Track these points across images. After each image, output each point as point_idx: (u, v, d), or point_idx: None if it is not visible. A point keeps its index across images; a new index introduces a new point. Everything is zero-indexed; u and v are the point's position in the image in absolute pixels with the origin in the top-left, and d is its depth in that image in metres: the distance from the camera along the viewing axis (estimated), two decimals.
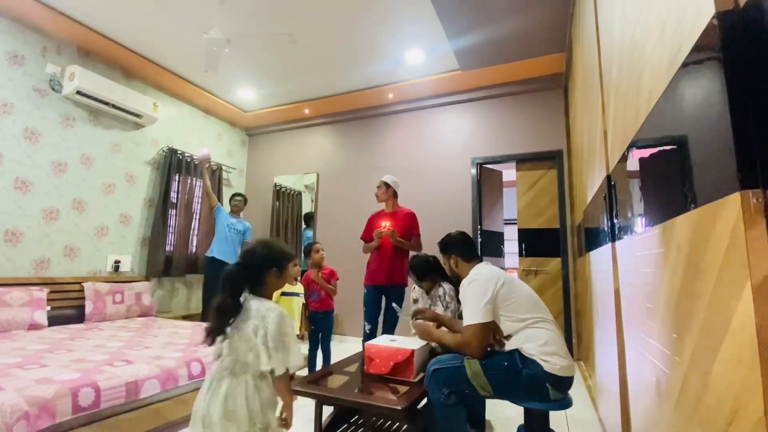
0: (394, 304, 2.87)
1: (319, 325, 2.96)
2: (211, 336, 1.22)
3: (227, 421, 1.13)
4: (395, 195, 3.12)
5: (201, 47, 3.38)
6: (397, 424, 1.98)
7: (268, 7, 3.07)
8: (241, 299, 1.26)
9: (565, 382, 1.44)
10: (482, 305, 1.52)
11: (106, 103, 3.69)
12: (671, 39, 0.89)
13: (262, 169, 5.53)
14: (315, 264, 2.99)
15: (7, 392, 1.56)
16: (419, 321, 1.91)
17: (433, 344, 1.94)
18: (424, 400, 1.64)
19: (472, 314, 1.54)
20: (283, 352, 1.18)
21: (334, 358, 2.79)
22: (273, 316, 1.19)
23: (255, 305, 1.22)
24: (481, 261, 1.80)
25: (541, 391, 1.43)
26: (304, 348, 2.25)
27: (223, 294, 1.22)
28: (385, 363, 1.76)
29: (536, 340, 1.47)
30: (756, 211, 0.60)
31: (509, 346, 1.53)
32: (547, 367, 1.42)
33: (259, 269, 1.28)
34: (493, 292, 1.55)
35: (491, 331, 1.57)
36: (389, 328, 2.90)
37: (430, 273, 2.32)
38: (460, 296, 1.68)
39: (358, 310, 4.46)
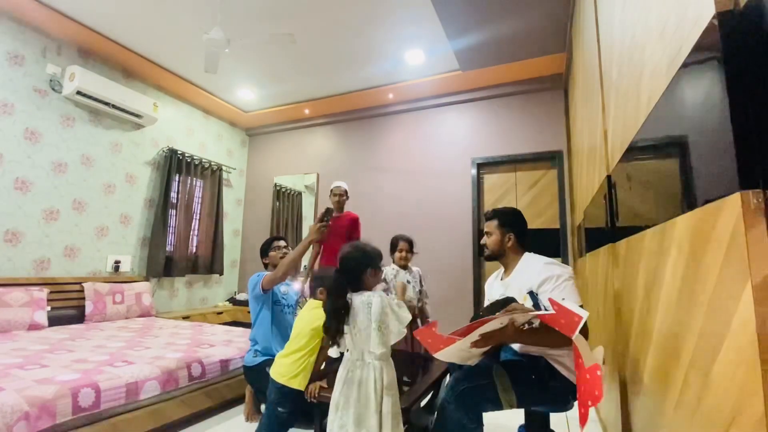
0: None
1: None
2: (333, 336, 1.41)
3: (359, 404, 1.31)
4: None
5: (201, 47, 3.38)
6: None
7: (268, 7, 3.07)
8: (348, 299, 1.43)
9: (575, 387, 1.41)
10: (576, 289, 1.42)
11: (106, 104, 3.69)
12: (671, 39, 0.89)
13: (262, 169, 5.53)
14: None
15: (7, 392, 1.56)
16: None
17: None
18: (424, 400, 1.63)
19: (576, 293, 1.42)
20: (396, 318, 1.38)
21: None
22: (376, 300, 1.37)
23: (357, 300, 1.40)
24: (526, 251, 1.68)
25: (563, 401, 1.41)
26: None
27: (331, 298, 1.42)
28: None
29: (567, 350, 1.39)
30: (756, 211, 0.60)
31: (534, 350, 1.44)
32: (572, 378, 1.37)
33: (357, 271, 1.45)
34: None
35: None
36: None
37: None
38: (545, 272, 1.47)
39: None
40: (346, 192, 3.35)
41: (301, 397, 1.60)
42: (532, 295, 1.48)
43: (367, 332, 1.36)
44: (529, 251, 1.69)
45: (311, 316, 1.71)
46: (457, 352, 1.29)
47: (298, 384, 1.62)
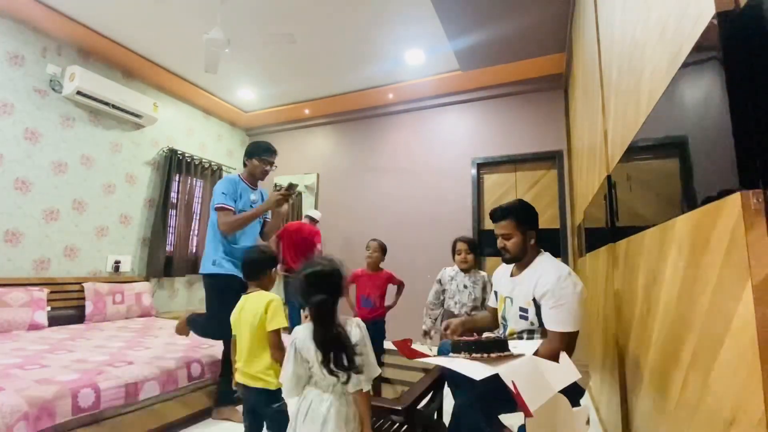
0: None
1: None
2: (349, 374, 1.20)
3: None
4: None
5: (201, 47, 3.38)
6: (397, 424, 1.97)
7: (268, 7, 3.07)
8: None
9: (579, 391, 1.41)
10: (581, 312, 1.35)
11: (106, 104, 3.69)
12: (671, 39, 0.89)
13: None
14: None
15: (7, 393, 1.56)
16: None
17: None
18: (425, 401, 1.63)
19: (574, 319, 1.34)
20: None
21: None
22: (355, 332, 1.22)
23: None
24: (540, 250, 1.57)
25: (571, 402, 1.40)
26: None
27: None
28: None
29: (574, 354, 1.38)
30: (756, 211, 0.59)
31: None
32: (580, 382, 1.33)
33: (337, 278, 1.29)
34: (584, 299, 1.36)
35: None
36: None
37: (476, 249, 2.33)
38: (541, 285, 1.42)
39: None
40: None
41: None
42: (536, 303, 1.45)
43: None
44: (492, 256, 1.65)
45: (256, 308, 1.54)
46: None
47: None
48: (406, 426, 1.92)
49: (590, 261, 2.42)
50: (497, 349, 1.26)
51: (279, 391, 1.48)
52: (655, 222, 1.04)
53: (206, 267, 2.21)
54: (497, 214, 1.58)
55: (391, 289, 2.87)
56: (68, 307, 3.27)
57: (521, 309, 1.53)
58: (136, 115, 3.96)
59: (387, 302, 2.85)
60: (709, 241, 0.72)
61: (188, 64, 3.98)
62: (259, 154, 2.33)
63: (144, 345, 2.46)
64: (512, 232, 1.53)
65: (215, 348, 2.47)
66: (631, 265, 1.30)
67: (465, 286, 2.35)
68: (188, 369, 2.17)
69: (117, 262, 3.86)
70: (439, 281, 2.49)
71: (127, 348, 2.36)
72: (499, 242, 1.58)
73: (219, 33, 2.80)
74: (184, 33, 3.44)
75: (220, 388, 2.26)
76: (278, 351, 1.49)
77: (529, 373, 1.13)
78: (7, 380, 1.70)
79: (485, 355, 1.24)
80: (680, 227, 0.86)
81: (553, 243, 3.74)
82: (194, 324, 2.25)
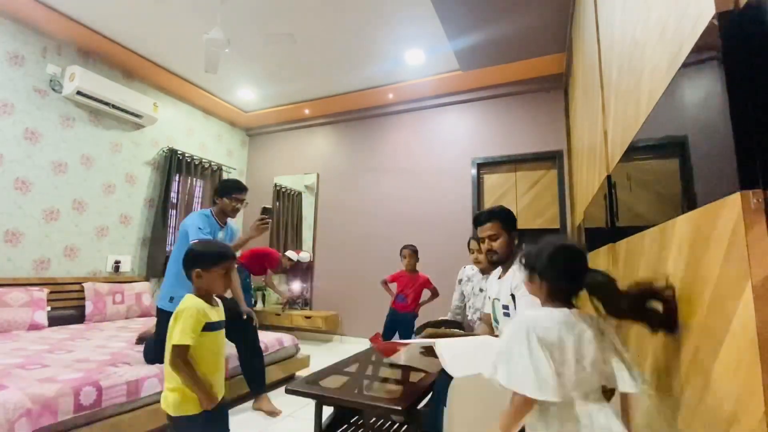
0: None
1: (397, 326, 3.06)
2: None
3: None
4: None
5: (201, 47, 3.38)
6: (397, 424, 1.98)
7: (269, 7, 3.07)
8: None
9: None
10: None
11: (107, 104, 3.69)
12: (671, 39, 0.89)
13: (263, 169, 5.53)
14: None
15: (10, 390, 1.57)
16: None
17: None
18: (425, 401, 1.63)
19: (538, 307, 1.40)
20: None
21: (334, 359, 2.79)
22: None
23: None
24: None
25: None
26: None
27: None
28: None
29: None
30: (756, 211, 0.59)
31: None
32: None
33: None
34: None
35: None
36: None
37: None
38: (518, 282, 1.42)
39: (358, 310, 4.47)
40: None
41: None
42: (513, 297, 1.48)
43: (597, 366, 0.89)
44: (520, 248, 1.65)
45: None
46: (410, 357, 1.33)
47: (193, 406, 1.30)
48: (406, 426, 1.92)
49: (590, 261, 2.42)
50: (455, 327, 1.38)
51: (179, 419, 1.30)
52: (655, 222, 1.04)
53: (163, 302, 2.16)
54: (482, 217, 1.63)
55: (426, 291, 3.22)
56: (68, 307, 3.27)
57: (504, 306, 1.56)
58: (136, 115, 3.96)
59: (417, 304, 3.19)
60: (709, 241, 0.72)
61: (188, 64, 3.98)
62: (229, 193, 2.33)
63: (143, 345, 2.46)
64: (498, 233, 1.59)
65: None
66: (631, 265, 1.30)
67: (481, 290, 2.21)
68: None
69: (117, 262, 3.86)
70: (460, 281, 2.45)
71: (128, 348, 2.36)
72: (486, 245, 1.62)
73: (219, 33, 2.80)
74: (184, 33, 3.44)
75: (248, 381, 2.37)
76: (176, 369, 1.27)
77: (468, 347, 1.19)
78: (9, 379, 1.70)
79: (448, 331, 1.34)
80: (680, 227, 0.86)
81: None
82: (146, 346, 2.21)
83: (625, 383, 0.88)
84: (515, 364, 0.88)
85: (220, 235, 2.34)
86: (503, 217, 1.60)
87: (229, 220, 2.44)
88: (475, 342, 1.25)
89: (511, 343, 0.91)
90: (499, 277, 1.68)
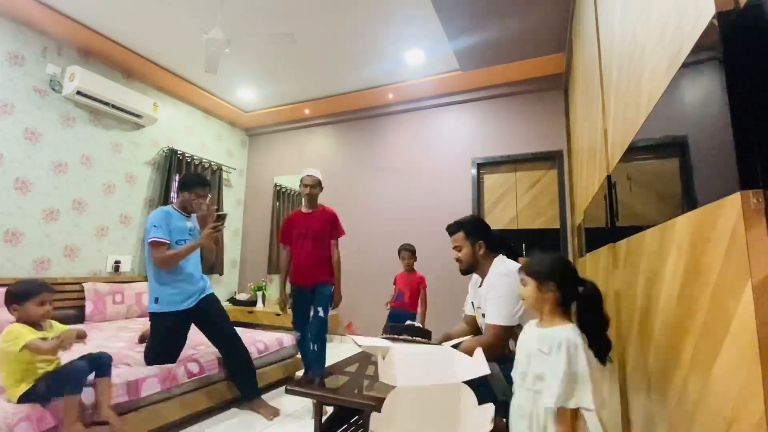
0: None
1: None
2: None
3: None
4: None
5: (201, 47, 3.38)
6: None
7: (268, 7, 3.07)
8: None
9: None
10: (514, 311, 1.46)
11: (107, 104, 3.69)
12: (671, 39, 0.89)
13: (263, 169, 5.53)
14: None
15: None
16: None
17: None
18: None
19: (500, 315, 1.47)
20: None
21: (334, 359, 2.79)
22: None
23: None
24: (498, 255, 1.67)
25: None
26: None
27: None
28: None
29: None
30: (756, 211, 0.59)
31: None
32: None
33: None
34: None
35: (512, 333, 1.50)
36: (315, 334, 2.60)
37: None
38: (487, 287, 1.56)
39: (358, 310, 4.47)
40: (319, 183, 2.80)
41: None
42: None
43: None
44: (501, 252, 1.70)
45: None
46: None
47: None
48: None
49: (590, 261, 2.42)
50: (420, 335, 1.55)
51: None
52: (655, 222, 1.04)
53: (150, 305, 2.22)
54: (450, 229, 1.76)
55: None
56: (68, 307, 3.27)
57: (483, 315, 1.64)
58: (136, 115, 3.96)
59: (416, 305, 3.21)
60: (709, 241, 0.72)
61: (188, 64, 3.98)
62: (190, 188, 2.33)
63: (144, 345, 2.46)
64: (461, 244, 1.70)
65: (214, 347, 2.47)
66: (631, 266, 1.30)
67: None
68: (186, 366, 2.18)
69: (117, 262, 3.86)
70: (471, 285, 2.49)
71: (128, 348, 2.36)
72: (453, 254, 1.75)
73: (219, 33, 2.80)
74: (184, 33, 3.44)
75: (238, 386, 2.35)
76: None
77: (422, 355, 1.22)
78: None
79: (408, 338, 1.51)
80: (680, 227, 0.86)
81: (553, 243, 3.74)
82: (146, 348, 2.24)
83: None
84: (585, 384, 1.00)
85: (189, 224, 2.34)
86: (467, 228, 1.70)
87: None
88: (431, 351, 1.26)
89: (578, 366, 1.01)
90: (480, 285, 1.75)
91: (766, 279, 0.57)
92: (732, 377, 0.65)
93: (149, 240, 2.16)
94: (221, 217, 2.28)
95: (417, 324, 1.76)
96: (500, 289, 1.50)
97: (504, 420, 1.84)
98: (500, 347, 1.47)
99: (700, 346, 0.77)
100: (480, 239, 1.68)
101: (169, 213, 2.29)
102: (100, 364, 1.74)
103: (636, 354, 1.28)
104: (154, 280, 2.22)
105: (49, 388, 1.58)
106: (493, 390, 1.39)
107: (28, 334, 1.58)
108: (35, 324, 1.69)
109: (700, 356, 0.77)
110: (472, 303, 1.87)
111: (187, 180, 2.37)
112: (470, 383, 1.33)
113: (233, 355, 2.37)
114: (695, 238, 0.79)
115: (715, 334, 0.71)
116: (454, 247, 1.73)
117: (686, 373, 0.84)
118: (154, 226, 2.18)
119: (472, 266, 1.70)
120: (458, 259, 1.73)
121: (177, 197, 2.40)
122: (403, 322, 2.99)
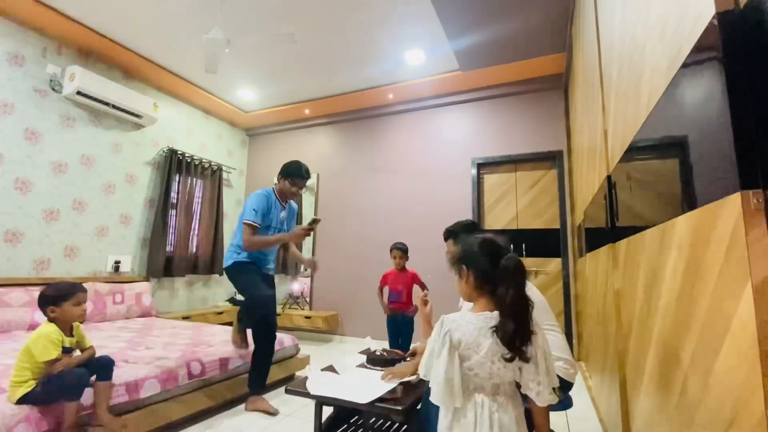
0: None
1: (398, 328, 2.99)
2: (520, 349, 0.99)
3: None
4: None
5: (201, 47, 3.38)
6: (397, 424, 1.98)
7: (268, 7, 3.07)
8: None
9: (567, 385, 1.44)
10: None
11: (107, 104, 3.69)
12: (671, 39, 0.89)
13: (263, 169, 5.53)
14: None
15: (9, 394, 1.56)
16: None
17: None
18: None
19: None
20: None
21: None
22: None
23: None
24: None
25: None
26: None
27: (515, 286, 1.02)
28: None
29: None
30: (756, 211, 0.60)
31: None
32: (567, 375, 1.40)
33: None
34: None
35: None
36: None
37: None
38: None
39: (358, 311, 4.47)
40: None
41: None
42: None
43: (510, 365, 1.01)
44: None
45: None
46: None
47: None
48: (405, 426, 1.92)
49: (590, 261, 2.42)
50: (389, 365, 1.80)
51: None
52: (655, 222, 1.04)
53: (227, 262, 2.38)
54: (444, 235, 1.83)
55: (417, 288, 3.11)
56: None
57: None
58: (136, 115, 3.96)
59: (413, 301, 3.08)
60: (709, 241, 0.72)
61: (188, 64, 3.98)
62: (293, 176, 2.42)
63: (144, 345, 2.46)
64: (451, 250, 1.78)
65: (214, 348, 2.47)
66: (631, 266, 1.30)
67: None
68: (188, 367, 2.18)
69: (117, 262, 3.86)
70: None
71: (128, 348, 2.36)
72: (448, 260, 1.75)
73: (219, 33, 2.80)
74: (184, 33, 3.44)
75: (249, 380, 2.37)
76: None
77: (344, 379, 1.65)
78: (8, 381, 1.70)
79: (379, 368, 1.77)
80: (680, 227, 0.86)
81: (554, 243, 3.74)
82: (244, 320, 2.41)
83: (527, 389, 1.02)
84: (434, 363, 1.02)
85: (282, 214, 2.46)
86: (455, 235, 1.77)
87: (290, 201, 2.57)
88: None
89: (432, 342, 1.04)
90: None
91: (766, 279, 0.57)
92: (732, 377, 0.65)
93: (243, 220, 2.28)
94: (315, 221, 2.38)
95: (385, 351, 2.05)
96: None
97: None
98: None
99: (700, 345, 0.77)
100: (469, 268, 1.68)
101: (269, 197, 2.40)
102: (102, 367, 1.74)
103: (636, 354, 1.28)
104: (233, 248, 2.40)
105: (48, 392, 1.57)
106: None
107: (58, 348, 1.62)
108: (66, 326, 1.72)
109: (700, 356, 0.77)
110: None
111: (290, 169, 2.44)
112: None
113: (263, 342, 2.37)
114: (695, 238, 0.79)
115: (715, 334, 0.71)
116: (447, 252, 1.79)
117: (686, 373, 0.84)
118: (254, 209, 2.28)
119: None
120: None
121: (277, 182, 2.49)
122: (403, 329, 2.98)
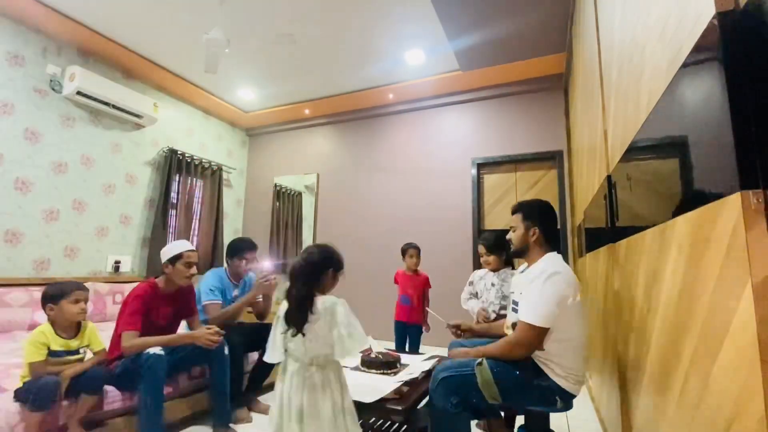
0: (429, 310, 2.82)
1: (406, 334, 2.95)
2: (299, 327, 1.31)
3: (331, 408, 1.31)
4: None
5: (201, 47, 3.38)
6: (397, 424, 1.98)
7: (269, 7, 3.07)
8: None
9: (573, 396, 1.43)
10: (551, 310, 1.36)
11: (107, 104, 3.69)
12: (671, 39, 0.90)
13: (263, 169, 5.53)
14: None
15: (10, 393, 1.56)
16: (455, 351, 1.66)
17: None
18: (425, 400, 1.63)
19: (537, 314, 1.37)
20: (350, 340, 1.31)
21: None
22: (340, 309, 1.34)
23: (319, 303, 1.34)
24: (554, 251, 1.59)
25: (548, 401, 1.41)
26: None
27: (300, 284, 1.37)
28: None
29: (561, 358, 1.40)
30: (756, 211, 0.60)
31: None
32: (561, 383, 1.39)
33: (321, 266, 1.43)
34: (568, 303, 1.37)
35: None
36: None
37: (501, 248, 2.21)
38: (526, 279, 1.50)
39: (358, 310, 4.46)
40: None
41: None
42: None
43: (326, 339, 1.31)
44: (557, 250, 1.61)
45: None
46: None
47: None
48: (406, 426, 1.92)
49: (590, 261, 2.42)
50: (385, 367, 1.82)
51: None
52: (655, 222, 1.04)
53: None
54: (513, 209, 1.75)
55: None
56: None
57: (514, 302, 1.61)
58: (136, 115, 3.96)
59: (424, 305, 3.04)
60: (709, 241, 0.72)
61: (188, 64, 3.98)
62: (239, 251, 2.44)
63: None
64: (516, 225, 1.67)
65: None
66: (631, 265, 1.30)
67: (492, 284, 2.27)
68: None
69: (117, 262, 3.86)
70: (471, 282, 2.48)
71: None
72: (509, 235, 1.73)
73: (219, 33, 2.80)
74: (184, 33, 3.44)
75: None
76: None
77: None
78: (9, 381, 1.70)
79: (374, 371, 1.81)
80: (680, 227, 0.86)
81: (553, 243, 3.74)
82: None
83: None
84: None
85: (235, 293, 2.47)
86: (525, 209, 1.69)
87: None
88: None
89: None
90: (522, 272, 1.71)
91: (766, 279, 0.57)
92: (732, 377, 0.65)
93: (203, 303, 2.27)
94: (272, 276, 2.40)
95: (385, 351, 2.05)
96: (543, 286, 1.39)
97: (500, 419, 1.86)
98: (526, 348, 1.40)
99: (700, 345, 0.77)
100: (536, 226, 1.61)
101: (222, 278, 2.42)
102: (89, 382, 1.66)
103: (636, 354, 1.28)
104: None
105: (20, 397, 1.53)
106: (483, 393, 1.39)
107: (41, 350, 1.60)
108: (69, 325, 1.71)
109: (700, 356, 0.77)
110: (504, 293, 2.07)
111: (233, 248, 2.46)
112: (459, 385, 1.41)
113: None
114: (695, 238, 0.79)
115: (715, 333, 0.71)
116: (510, 227, 1.70)
117: (686, 373, 0.84)
118: (210, 289, 2.29)
119: (522, 251, 1.65)
120: (509, 240, 1.70)
121: (227, 265, 2.49)
122: (411, 334, 2.95)
